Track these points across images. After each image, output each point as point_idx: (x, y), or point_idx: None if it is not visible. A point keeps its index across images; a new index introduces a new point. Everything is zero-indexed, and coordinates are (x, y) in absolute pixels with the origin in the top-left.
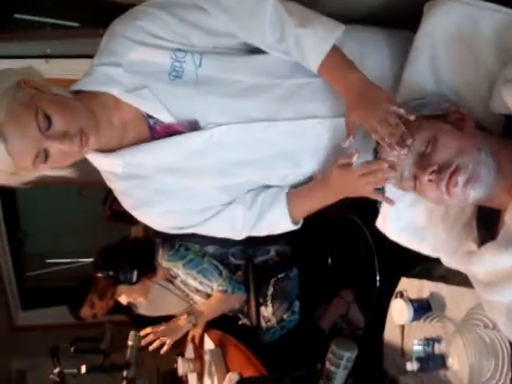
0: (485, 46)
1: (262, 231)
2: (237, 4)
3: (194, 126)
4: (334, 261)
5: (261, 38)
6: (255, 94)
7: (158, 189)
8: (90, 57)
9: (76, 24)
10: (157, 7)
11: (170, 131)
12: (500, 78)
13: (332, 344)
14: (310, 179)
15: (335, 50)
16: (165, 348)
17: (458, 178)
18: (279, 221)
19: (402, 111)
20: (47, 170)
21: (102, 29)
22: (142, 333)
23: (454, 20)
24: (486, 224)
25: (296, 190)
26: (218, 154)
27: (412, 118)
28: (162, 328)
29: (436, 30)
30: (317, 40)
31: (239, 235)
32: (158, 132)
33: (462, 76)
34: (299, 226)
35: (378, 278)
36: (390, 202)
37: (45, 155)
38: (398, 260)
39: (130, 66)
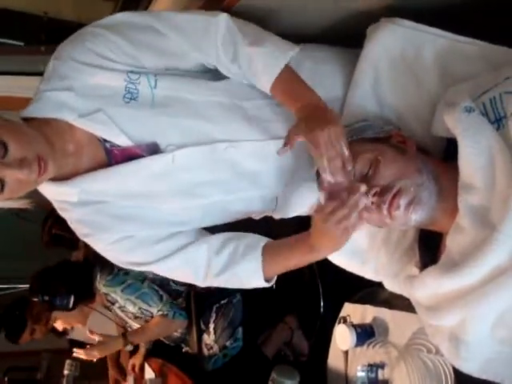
0: (427, 69)
1: (231, 282)
2: (189, 24)
3: (153, 149)
4: (278, 286)
5: (215, 57)
6: (216, 114)
7: (116, 214)
8: (34, 74)
9: (21, 43)
10: (105, 28)
11: (128, 155)
12: (441, 101)
13: (273, 372)
14: (273, 201)
15: (288, 70)
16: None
17: (400, 201)
18: (250, 276)
19: (347, 153)
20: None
21: (44, 46)
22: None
23: (397, 44)
24: (427, 248)
25: (274, 245)
26: (179, 176)
27: (349, 168)
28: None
29: (378, 54)
30: (269, 59)
31: (203, 281)
32: (115, 156)
33: (405, 99)
34: (271, 284)
35: (321, 303)
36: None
37: (1, 185)
38: (342, 285)
39: (82, 89)
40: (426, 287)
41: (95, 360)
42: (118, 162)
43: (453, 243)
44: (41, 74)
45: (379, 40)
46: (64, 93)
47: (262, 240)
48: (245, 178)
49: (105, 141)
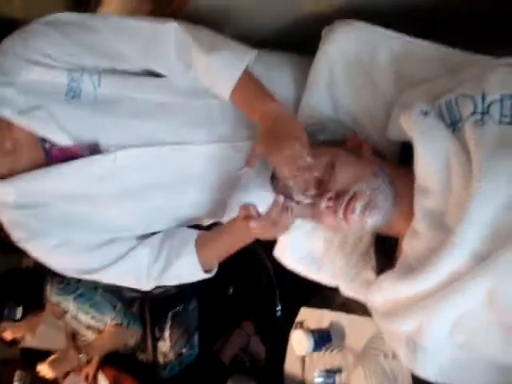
0: (382, 72)
1: (171, 281)
2: (138, 31)
3: (94, 149)
4: (235, 291)
5: (167, 66)
6: (161, 115)
7: (54, 218)
8: None
9: None
10: (49, 26)
11: (68, 155)
12: (397, 104)
13: (229, 381)
14: (222, 206)
15: (247, 76)
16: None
17: (356, 205)
18: (190, 271)
19: (309, 161)
20: None
21: None
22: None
23: (352, 45)
24: (384, 252)
25: (205, 235)
26: (122, 178)
27: (315, 174)
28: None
29: (333, 56)
30: (226, 66)
31: (145, 286)
32: (54, 156)
33: (360, 102)
34: (213, 273)
35: (278, 308)
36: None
37: None
38: (299, 289)
39: (23, 85)
40: (383, 292)
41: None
42: (57, 163)
43: (409, 248)
44: None
45: (334, 41)
46: (4, 88)
47: (194, 233)
48: (191, 182)
49: (44, 140)
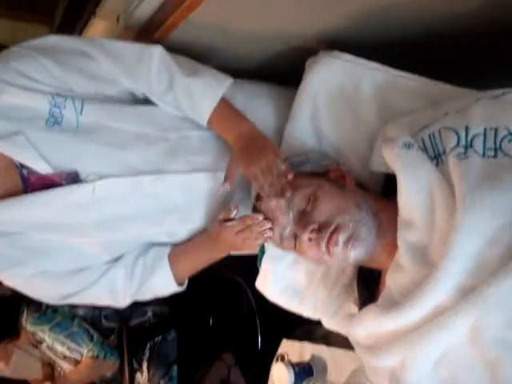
0: (365, 104)
1: (146, 296)
2: (122, 51)
3: (73, 178)
4: (215, 322)
5: (147, 86)
6: (141, 145)
7: (30, 247)
8: None
9: None
10: (34, 49)
11: (46, 183)
12: (380, 136)
13: None
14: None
15: (224, 100)
16: None
17: (339, 237)
18: (164, 285)
19: (282, 168)
20: None
21: None
22: None
23: (336, 77)
24: (366, 285)
25: (178, 248)
26: (101, 208)
27: (290, 177)
28: None
29: (317, 87)
30: (207, 89)
31: (122, 304)
32: (32, 184)
33: (343, 134)
34: (184, 287)
35: (259, 339)
36: (268, 239)
37: None
38: (281, 321)
39: (2, 110)
40: (365, 326)
41: None
42: (34, 191)
43: (392, 282)
44: None
45: (318, 73)
46: None
47: (165, 248)
48: (171, 212)
49: (22, 166)
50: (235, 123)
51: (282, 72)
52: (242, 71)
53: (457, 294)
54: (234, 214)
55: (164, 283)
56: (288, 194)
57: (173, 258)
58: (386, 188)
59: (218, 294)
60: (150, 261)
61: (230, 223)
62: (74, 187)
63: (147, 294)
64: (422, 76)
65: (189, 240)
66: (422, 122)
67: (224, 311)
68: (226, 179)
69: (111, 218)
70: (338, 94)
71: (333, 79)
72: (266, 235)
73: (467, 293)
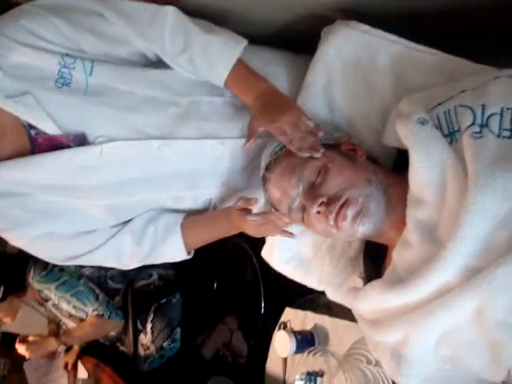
0: (381, 76)
1: (154, 262)
2: (136, 10)
3: (81, 140)
4: (219, 286)
5: (161, 46)
6: (151, 109)
7: (37, 208)
8: None
9: None
10: (44, 8)
11: (53, 144)
12: (394, 111)
13: (209, 382)
14: (206, 202)
15: (241, 61)
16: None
17: (347, 212)
18: (174, 254)
19: (311, 123)
20: None
21: None
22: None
23: (351, 48)
24: (372, 259)
25: (192, 219)
26: (108, 171)
27: (321, 134)
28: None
29: (332, 57)
30: (224, 48)
31: (127, 267)
32: (40, 145)
33: (356, 105)
34: (191, 255)
35: (262, 304)
36: (290, 234)
37: None
38: (285, 287)
39: (11, 69)
40: (370, 301)
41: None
42: (42, 152)
43: (399, 258)
44: None
45: (333, 42)
46: None
47: (178, 217)
48: (178, 178)
49: (30, 127)
50: (253, 83)
51: (297, 39)
52: (256, 37)
53: (464, 274)
54: (254, 208)
55: (174, 252)
56: (322, 149)
57: (185, 228)
58: (397, 163)
59: (223, 259)
60: (162, 229)
61: (251, 217)
62: (82, 149)
63: (156, 261)
64: (439, 50)
65: (195, 209)
66: (437, 99)
67: (228, 276)
68: (248, 139)
69: (118, 182)
70: (353, 65)
71: (348, 49)
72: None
73: (474, 273)
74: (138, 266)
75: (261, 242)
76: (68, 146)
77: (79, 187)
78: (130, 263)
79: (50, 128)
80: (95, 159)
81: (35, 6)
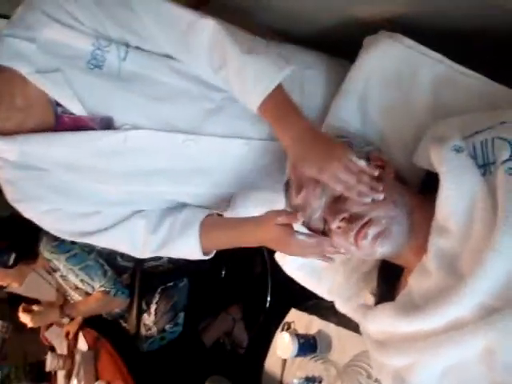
0: (419, 94)
1: (168, 255)
2: (172, 18)
3: (107, 124)
4: (227, 274)
5: (195, 62)
6: (182, 102)
7: (52, 184)
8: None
9: None
10: None
11: (78, 125)
12: (430, 132)
13: (206, 383)
14: (224, 202)
15: (280, 88)
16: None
17: (369, 231)
18: (189, 251)
19: (363, 163)
20: None
21: None
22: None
23: (393, 61)
24: (387, 278)
25: (214, 220)
26: (130, 158)
27: (376, 173)
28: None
29: (372, 68)
30: (263, 72)
31: (140, 255)
32: (64, 123)
33: (390, 120)
34: (211, 256)
35: (268, 299)
36: (330, 260)
37: None
38: (293, 287)
39: (45, 44)
40: (379, 323)
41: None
42: (65, 130)
43: (416, 284)
44: (7, 17)
45: (375, 53)
46: (25, 43)
47: (199, 214)
48: (199, 174)
49: (57, 105)
50: (290, 117)
51: (339, 42)
52: (301, 36)
53: (479, 312)
54: (298, 224)
55: (189, 249)
56: (381, 187)
57: (206, 229)
58: (424, 184)
59: (234, 248)
60: (180, 223)
61: (301, 236)
62: (106, 133)
63: (170, 253)
64: (485, 76)
65: (212, 207)
66: (475, 126)
67: (237, 265)
68: (297, 190)
69: (139, 171)
70: (392, 79)
71: (390, 63)
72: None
73: (490, 313)
74: (151, 255)
75: None
76: (93, 129)
77: (99, 170)
78: (143, 251)
79: (76, 108)
80: (119, 145)
81: None
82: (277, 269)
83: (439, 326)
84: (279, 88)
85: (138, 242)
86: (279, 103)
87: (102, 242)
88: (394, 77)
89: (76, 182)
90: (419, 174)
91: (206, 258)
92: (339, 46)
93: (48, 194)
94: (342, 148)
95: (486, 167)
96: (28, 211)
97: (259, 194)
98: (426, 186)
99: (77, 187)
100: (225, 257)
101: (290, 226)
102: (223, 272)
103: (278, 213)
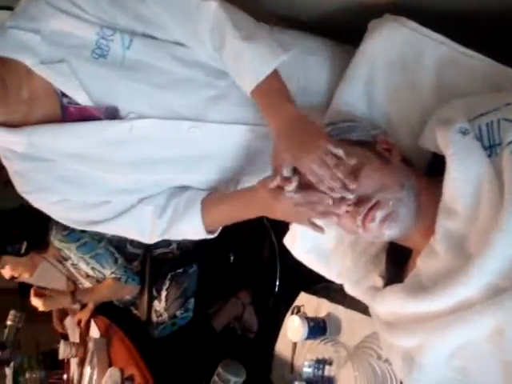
0: (425, 77)
1: (175, 237)
2: (181, 5)
3: (112, 113)
4: (236, 260)
5: (198, 43)
6: (186, 89)
7: (60, 175)
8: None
9: None
10: None
11: (84, 115)
12: (436, 115)
13: (219, 367)
14: (232, 187)
15: (275, 75)
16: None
17: (376, 214)
18: (192, 232)
19: (340, 152)
20: None
21: None
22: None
23: (398, 45)
24: (395, 261)
25: (214, 197)
26: (136, 147)
27: (352, 162)
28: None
29: (377, 52)
30: (258, 59)
31: (148, 240)
32: (70, 114)
33: (396, 104)
34: (216, 234)
35: (277, 283)
36: (320, 229)
37: None
38: (301, 270)
39: (49, 35)
40: (387, 304)
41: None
42: (72, 120)
43: (424, 266)
44: (11, 8)
45: (380, 37)
46: (30, 34)
47: (202, 194)
48: (205, 161)
49: (63, 95)
50: (279, 103)
51: (343, 28)
52: (296, 20)
53: (487, 291)
54: (290, 188)
55: (193, 229)
56: (354, 186)
57: (207, 206)
58: (431, 166)
59: (242, 233)
60: (183, 204)
61: (291, 194)
62: (112, 123)
63: (176, 236)
64: (489, 57)
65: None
66: (480, 108)
67: (246, 250)
68: (273, 177)
69: (145, 159)
70: (397, 62)
71: (395, 46)
72: (326, 217)
73: (498, 293)
74: (158, 239)
75: (282, 223)
76: (99, 119)
77: (106, 160)
78: (151, 235)
79: (82, 98)
80: (124, 134)
81: None
82: (285, 253)
83: (447, 307)
84: (274, 74)
85: (147, 229)
86: (271, 90)
87: (111, 229)
88: (399, 60)
89: (84, 172)
90: (426, 156)
91: (211, 236)
92: (344, 31)
93: (57, 185)
94: (322, 139)
95: (491, 149)
96: (37, 202)
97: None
98: (432, 169)
99: (84, 177)
100: (233, 242)
101: (280, 189)
102: (232, 257)
103: (270, 179)
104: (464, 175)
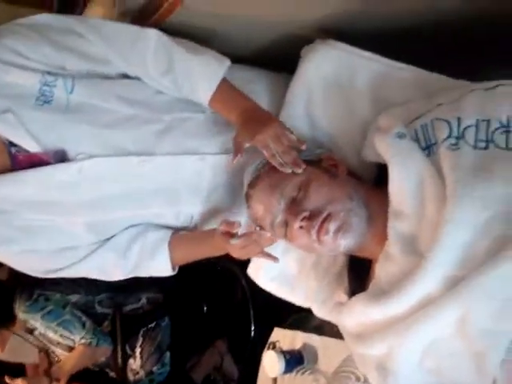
0: (360, 94)
1: (139, 275)
2: (117, 33)
3: (61, 156)
4: (209, 309)
5: (143, 68)
6: (131, 126)
7: (19, 225)
8: None
9: None
10: (26, 27)
11: (34, 161)
12: (373, 126)
13: None
14: (187, 219)
15: (225, 80)
16: None
17: (329, 226)
18: (159, 270)
19: (293, 137)
20: None
21: None
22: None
23: (331, 66)
24: (357, 274)
25: (180, 237)
26: (88, 187)
27: (304, 147)
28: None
29: (312, 75)
30: (207, 69)
31: (111, 278)
32: (20, 162)
33: (337, 123)
34: (176, 271)
35: (252, 327)
36: (275, 259)
37: None
38: (274, 309)
39: None
40: (354, 315)
41: None
42: (22, 168)
43: (382, 271)
44: None
45: (313, 61)
46: None
47: (167, 234)
48: (159, 194)
49: (11, 144)
50: (237, 101)
51: (279, 59)
52: (238, 57)
53: (445, 284)
54: (237, 231)
55: (160, 267)
56: (303, 166)
57: (172, 246)
58: (378, 178)
59: (212, 282)
60: (150, 245)
61: (233, 241)
62: (62, 166)
63: (141, 274)
64: (416, 66)
65: (177, 225)
66: (415, 113)
67: (218, 299)
68: (234, 154)
69: (99, 198)
70: (332, 83)
71: (328, 68)
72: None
73: (455, 283)
74: (123, 278)
75: (249, 263)
76: (48, 163)
77: (60, 203)
78: (113, 274)
79: (30, 146)
80: (75, 176)
81: (17, 25)
82: (258, 294)
83: (410, 307)
84: (223, 80)
85: (109, 269)
86: (225, 92)
87: (73, 274)
88: (334, 80)
89: (41, 219)
90: (371, 169)
91: (173, 273)
92: (280, 60)
93: (17, 236)
94: (278, 121)
95: (429, 149)
96: (0, 255)
97: (221, 209)
98: (380, 179)
99: (43, 225)
100: (205, 291)
101: (228, 234)
102: (205, 307)
103: (220, 223)
104: (406, 176)
